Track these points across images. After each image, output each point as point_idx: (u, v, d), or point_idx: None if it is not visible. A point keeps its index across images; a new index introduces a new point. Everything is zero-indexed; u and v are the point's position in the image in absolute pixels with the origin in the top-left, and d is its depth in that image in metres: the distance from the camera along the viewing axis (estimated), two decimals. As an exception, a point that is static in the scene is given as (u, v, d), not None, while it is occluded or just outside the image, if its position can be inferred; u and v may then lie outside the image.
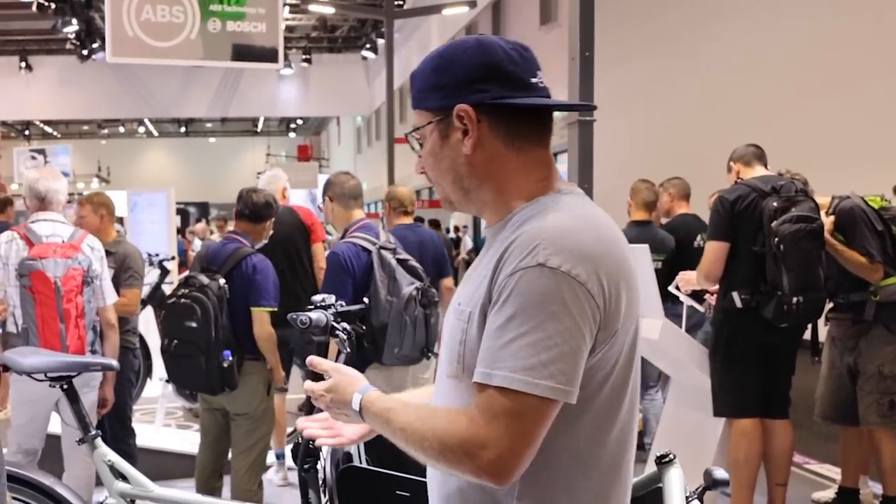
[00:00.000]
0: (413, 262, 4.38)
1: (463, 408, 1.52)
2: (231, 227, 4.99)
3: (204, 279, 4.33)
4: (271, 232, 4.79)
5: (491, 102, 1.60)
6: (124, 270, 5.11)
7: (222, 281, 4.34)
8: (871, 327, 4.88)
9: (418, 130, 1.68)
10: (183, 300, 4.34)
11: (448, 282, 5.97)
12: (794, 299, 4.44)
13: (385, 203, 4.85)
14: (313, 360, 1.83)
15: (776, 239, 4.45)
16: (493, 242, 1.63)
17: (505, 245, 1.54)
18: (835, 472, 5.67)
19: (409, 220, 5.71)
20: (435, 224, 19.77)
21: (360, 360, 4.00)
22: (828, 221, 4.80)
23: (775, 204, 4.52)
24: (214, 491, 4.67)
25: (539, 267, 1.46)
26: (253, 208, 4.62)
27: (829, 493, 5.35)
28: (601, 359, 1.53)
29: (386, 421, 1.62)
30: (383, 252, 4.22)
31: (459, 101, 1.60)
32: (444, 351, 1.66)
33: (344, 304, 2.90)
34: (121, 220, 10.31)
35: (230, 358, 4.28)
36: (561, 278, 1.46)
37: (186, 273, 4.63)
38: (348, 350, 2.75)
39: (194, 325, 4.24)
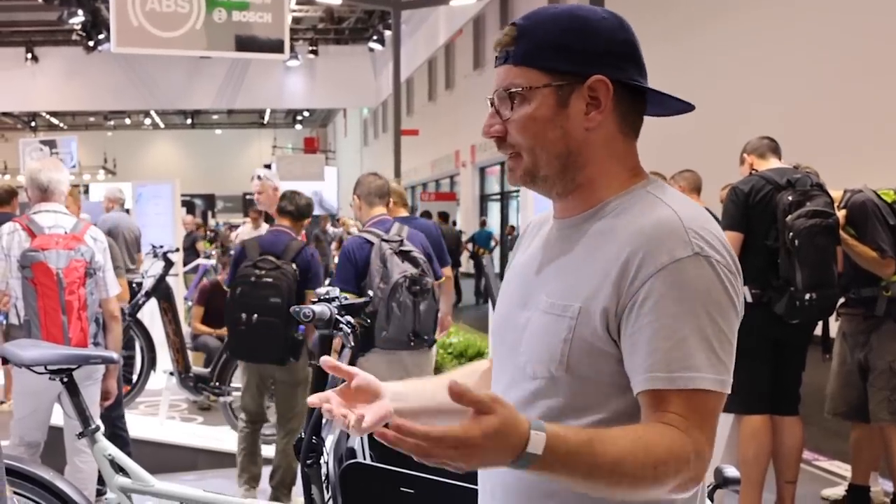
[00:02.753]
0: (415, 254, 4.66)
1: (657, 422, 1.36)
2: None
3: (278, 262, 4.96)
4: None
5: (629, 82, 1.50)
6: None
7: (294, 266, 4.98)
8: (882, 323, 4.82)
9: (529, 90, 1.48)
10: (265, 279, 4.94)
11: (445, 271, 6.03)
12: (807, 296, 4.37)
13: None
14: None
15: (791, 234, 4.38)
16: (580, 233, 1.52)
17: (627, 237, 1.42)
18: (844, 469, 5.62)
19: (406, 213, 5.94)
20: (443, 216, 19.65)
21: (361, 343, 4.22)
22: (840, 215, 4.74)
23: (790, 198, 4.44)
24: (254, 478, 5.27)
25: (696, 257, 1.38)
26: (297, 207, 5.29)
27: (839, 491, 5.30)
28: None
29: (591, 456, 1.28)
30: (384, 244, 4.59)
31: (597, 71, 1.47)
32: (531, 350, 1.50)
33: (348, 297, 2.86)
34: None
35: (302, 331, 4.89)
36: (719, 268, 1.40)
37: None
38: (353, 344, 2.71)
39: (279, 300, 4.83)
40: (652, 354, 1.37)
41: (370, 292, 4.34)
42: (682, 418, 1.35)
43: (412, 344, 4.56)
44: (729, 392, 1.39)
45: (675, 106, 1.58)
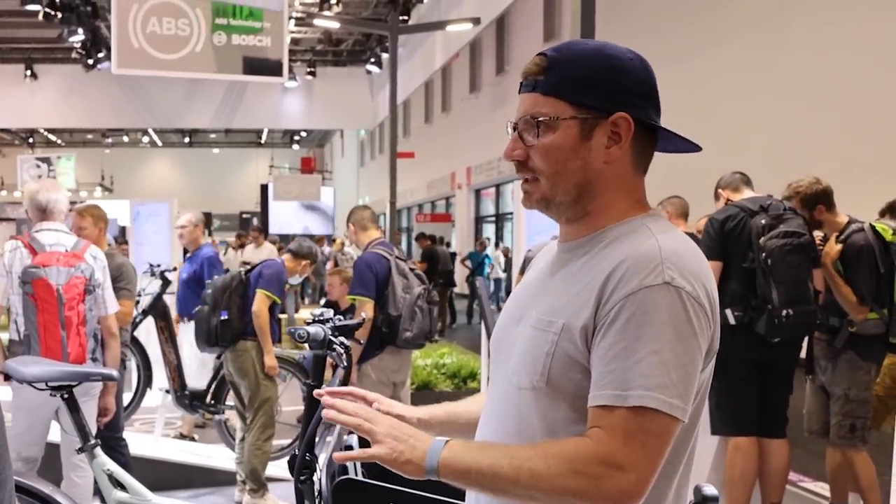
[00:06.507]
0: (418, 271, 5.64)
1: (573, 434, 1.48)
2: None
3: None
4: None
5: (648, 122, 1.58)
6: (117, 282, 5.14)
7: (241, 271, 5.74)
8: (844, 351, 4.92)
9: (556, 120, 1.56)
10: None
11: None
12: (784, 312, 4.50)
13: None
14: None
15: (764, 254, 4.53)
16: (575, 257, 1.62)
17: (610, 262, 1.51)
18: (828, 490, 5.68)
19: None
20: (435, 240, 19.72)
21: (377, 343, 5.33)
22: (834, 249, 4.84)
23: (763, 221, 4.61)
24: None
25: (665, 286, 1.45)
26: (300, 247, 5.94)
27: (822, 512, 5.37)
28: (701, 380, 1.52)
29: (484, 471, 1.48)
30: (398, 261, 5.48)
31: (621, 108, 1.55)
32: (518, 362, 1.59)
33: (342, 318, 2.94)
34: (123, 231, 10.33)
35: (224, 316, 5.53)
36: (686, 298, 1.46)
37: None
38: (346, 365, 2.78)
39: (209, 291, 5.64)
40: (610, 373, 1.45)
41: (363, 314, 5.03)
42: (606, 431, 1.43)
43: (426, 342, 5.56)
44: (681, 418, 1.44)
45: (681, 145, 1.67)
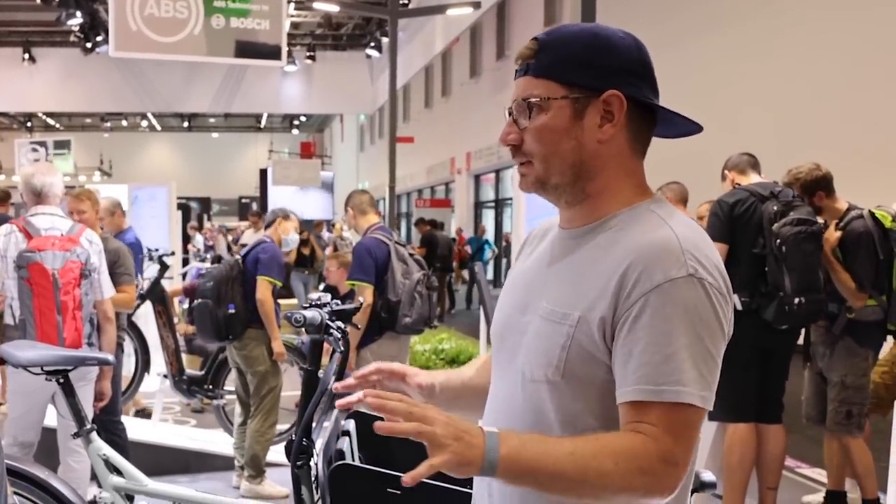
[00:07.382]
0: (417, 256, 5.61)
1: (628, 430, 1.44)
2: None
3: (228, 257, 5.75)
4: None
5: (642, 100, 1.56)
6: (116, 267, 5.11)
7: (237, 258, 5.75)
8: (842, 338, 4.92)
9: (547, 101, 1.54)
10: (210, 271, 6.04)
11: None
12: (797, 300, 4.48)
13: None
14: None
15: (778, 241, 4.50)
16: (581, 244, 1.59)
17: (625, 252, 1.49)
18: (825, 476, 5.69)
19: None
20: (435, 224, 19.70)
21: (376, 329, 5.29)
22: (833, 236, 4.82)
23: (775, 207, 4.57)
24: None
25: (689, 278, 1.44)
26: (273, 216, 6.02)
27: (819, 497, 5.38)
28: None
29: (549, 443, 1.43)
30: (398, 246, 5.46)
31: (612, 86, 1.53)
32: (530, 354, 1.57)
33: (340, 302, 2.92)
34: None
35: (232, 309, 5.50)
36: (710, 290, 1.46)
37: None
38: (343, 349, 2.76)
39: (211, 283, 5.58)
40: (641, 367, 1.43)
41: (361, 299, 5.02)
42: (654, 427, 1.42)
43: (425, 328, 5.56)
44: (709, 408, 1.46)
45: (682, 127, 1.65)
